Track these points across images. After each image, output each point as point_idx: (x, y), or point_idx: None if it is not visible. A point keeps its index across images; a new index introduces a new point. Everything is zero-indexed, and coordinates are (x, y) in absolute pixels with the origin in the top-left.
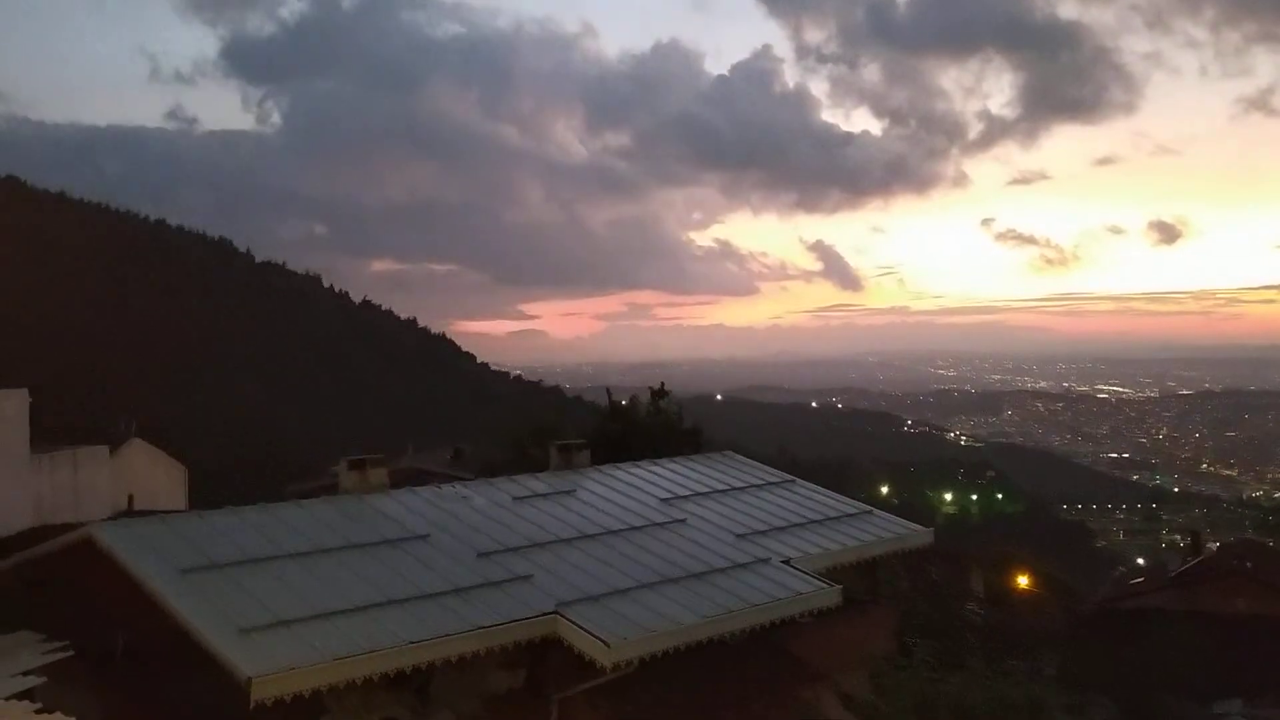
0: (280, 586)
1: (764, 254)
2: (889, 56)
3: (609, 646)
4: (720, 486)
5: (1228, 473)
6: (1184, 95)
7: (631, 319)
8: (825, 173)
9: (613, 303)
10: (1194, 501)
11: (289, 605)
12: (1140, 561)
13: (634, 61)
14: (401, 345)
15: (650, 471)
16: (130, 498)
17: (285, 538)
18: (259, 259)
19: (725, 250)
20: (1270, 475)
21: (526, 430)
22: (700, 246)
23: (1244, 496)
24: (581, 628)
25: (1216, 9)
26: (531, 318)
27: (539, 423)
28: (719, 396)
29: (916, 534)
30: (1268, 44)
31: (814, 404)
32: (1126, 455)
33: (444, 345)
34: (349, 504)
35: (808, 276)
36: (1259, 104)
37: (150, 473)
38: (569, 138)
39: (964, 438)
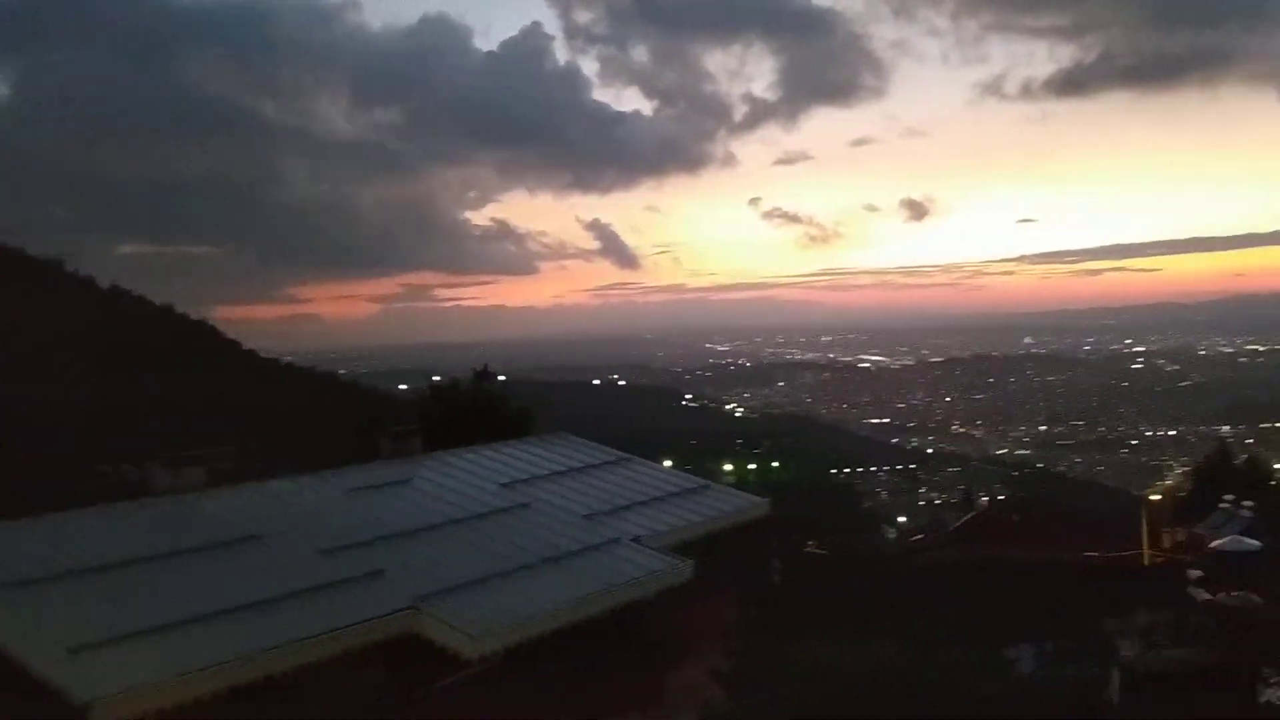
0: (105, 601)
1: (543, 233)
2: (656, 38)
3: (473, 639)
4: (559, 468)
5: (976, 433)
6: (929, 80)
7: (410, 301)
8: (599, 152)
9: (389, 285)
10: (948, 461)
11: (120, 620)
12: (902, 520)
13: (400, 36)
14: (156, 333)
15: (485, 456)
16: None
17: (99, 547)
18: None
19: (503, 230)
20: (1013, 434)
21: (346, 418)
22: (478, 226)
23: (991, 454)
24: (443, 621)
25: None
26: (303, 301)
27: (325, 410)
28: (501, 378)
29: (755, 505)
30: (1002, 33)
31: (596, 382)
32: (887, 420)
33: (205, 332)
34: (165, 507)
35: (587, 256)
36: (994, 89)
37: None
38: (335, 113)
39: (741, 409)
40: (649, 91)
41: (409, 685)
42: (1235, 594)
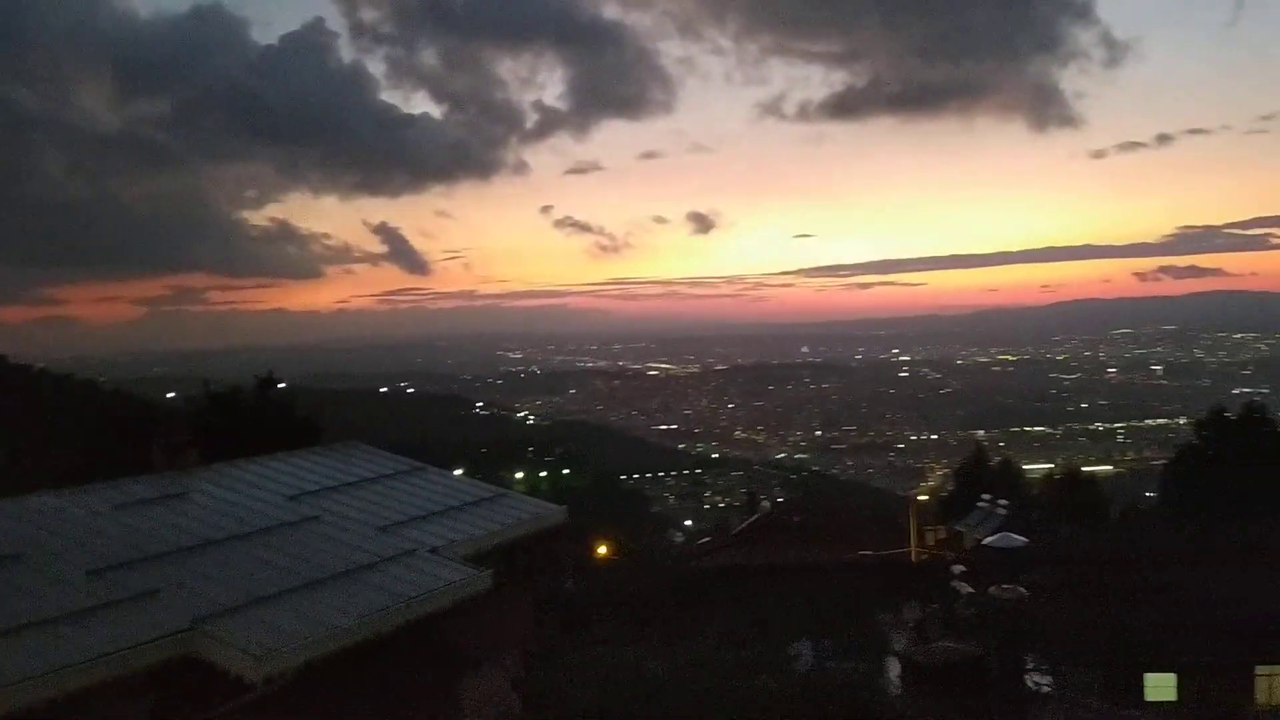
0: None
1: (327, 236)
2: (446, 41)
3: (258, 659)
4: (350, 479)
5: (757, 438)
6: (714, 98)
7: (179, 304)
8: (387, 154)
9: (156, 286)
10: (732, 465)
11: None
12: (689, 523)
13: (170, 24)
14: None
15: (270, 468)
16: None
17: None
18: None
19: (284, 231)
20: (791, 439)
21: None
22: (256, 227)
23: (772, 458)
24: (225, 642)
25: (738, 21)
26: (58, 303)
27: (86, 420)
28: (281, 385)
29: (553, 512)
30: (781, 56)
31: (383, 390)
32: (675, 426)
33: None
34: None
35: (373, 260)
36: (774, 109)
37: None
38: (97, 104)
39: (533, 417)
40: (439, 95)
41: (186, 713)
42: (1006, 587)
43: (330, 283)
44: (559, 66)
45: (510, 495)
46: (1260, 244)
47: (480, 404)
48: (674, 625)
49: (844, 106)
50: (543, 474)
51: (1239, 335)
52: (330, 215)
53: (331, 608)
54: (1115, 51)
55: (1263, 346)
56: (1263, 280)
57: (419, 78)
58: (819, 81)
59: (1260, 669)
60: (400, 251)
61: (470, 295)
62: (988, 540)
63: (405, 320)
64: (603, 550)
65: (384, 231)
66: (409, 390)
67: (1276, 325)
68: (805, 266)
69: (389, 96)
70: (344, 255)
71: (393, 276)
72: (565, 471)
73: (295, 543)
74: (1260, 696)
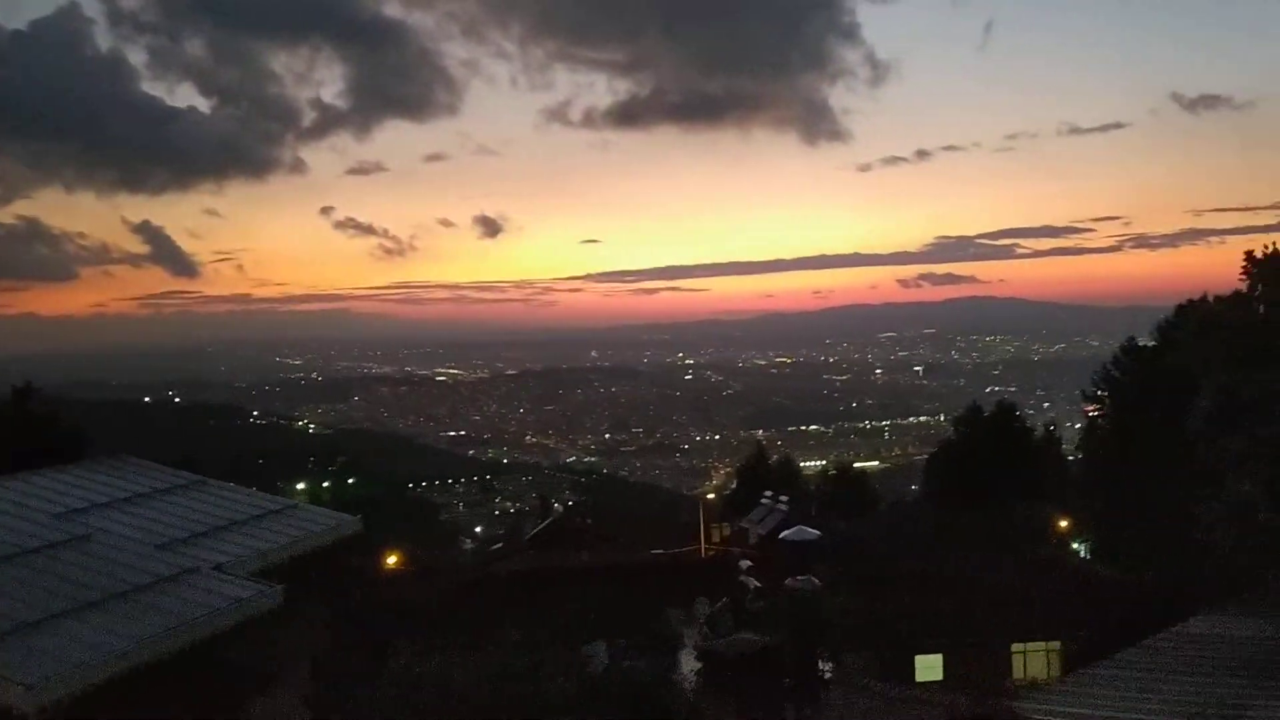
0: None
1: (82, 235)
2: (214, 33)
3: (30, 689)
4: (123, 495)
5: (547, 442)
6: (500, 102)
7: None
8: (150, 150)
9: None
10: (522, 470)
11: None
12: (479, 530)
13: None
14: None
15: (33, 484)
16: None
17: None
18: None
19: (34, 230)
20: (581, 442)
21: None
22: (2, 225)
23: (562, 462)
24: None
25: (523, 26)
26: None
27: None
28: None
29: (346, 523)
30: (566, 63)
31: (148, 399)
32: (463, 433)
33: None
34: None
35: (135, 261)
36: (559, 115)
37: None
38: None
39: (314, 426)
40: (207, 89)
41: None
42: (800, 579)
43: (86, 285)
44: (338, 63)
45: (301, 507)
46: (1008, 254)
47: (257, 413)
48: (471, 633)
49: (628, 115)
50: (326, 484)
51: (990, 338)
52: (86, 213)
53: (108, 631)
54: (879, 71)
55: (1010, 349)
56: (1011, 287)
57: (185, 69)
58: (604, 89)
59: (1015, 646)
60: (165, 252)
61: (245, 299)
62: (784, 534)
63: (172, 325)
64: (392, 560)
65: (146, 231)
66: (176, 400)
67: (1022, 329)
68: (593, 272)
69: (152, 89)
70: (101, 256)
71: (157, 279)
72: (350, 481)
73: (65, 563)
74: (1016, 671)
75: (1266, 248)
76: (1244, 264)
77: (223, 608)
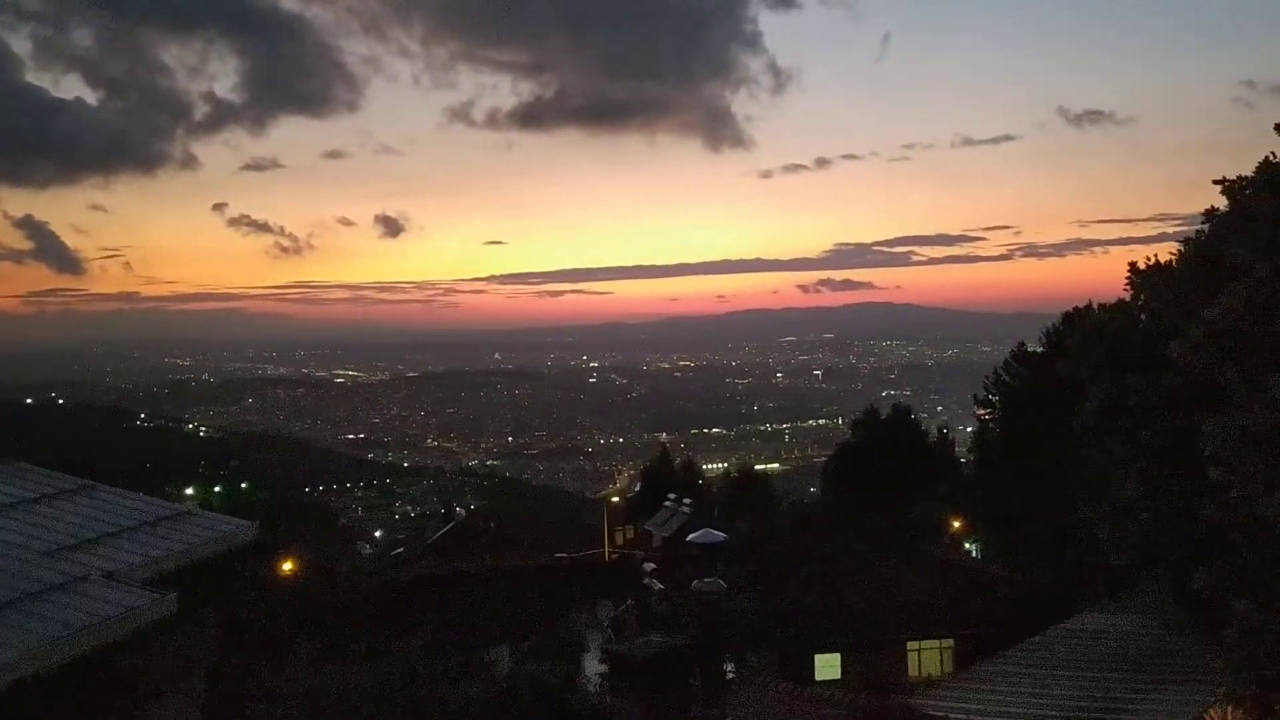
0: None
1: None
2: (102, 23)
3: None
4: (5, 500)
5: (449, 445)
6: (402, 100)
7: None
8: (34, 143)
9: None
10: (423, 474)
11: None
12: (378, 534)
13: None
14: None
15: None
16: None
17: None
18: None
19: None
20: (484, 445)
21: None
22: None
23: (464, 465)
24: None
25: (425, 25)
26: None
27: None
28: None
29: (241, 528)
30: (470, 63)
31: (30, 400)
32: (363, 436)
33: None
34: None
35: (17, 257)
36: (462, 115)
37: None
38: None
39: (205, 429)
40: (94, 80)
41: None
42: (707, 580)
43: None
44: (232, 57)
45: (195, 513)
46: (904, 260)
47: (144, 415)
48: (373, 640)
49: (532, 116)
50: (218, 489)
51: (887, 343)
52: None
53: None
54: (780, 79)
55: (906, 353)
56: (906, 293)
57: (71, 60)
58: (507, 90)
59: (910, 644)
60: (49, 248)
61: (132, 298)
62: (692, 536)
63: (56, 324)
64: (289, 566)
65: (29, 226)
66: (60, 402)
67: (916, 334)
68: (497, 273)
69: (36, 79)
70: None
71: (39, 275)
72: (244, 486)
73: None
74: (912, 669)
75: (1148, 259)
76: (1128, 275)
77: (114, 616)
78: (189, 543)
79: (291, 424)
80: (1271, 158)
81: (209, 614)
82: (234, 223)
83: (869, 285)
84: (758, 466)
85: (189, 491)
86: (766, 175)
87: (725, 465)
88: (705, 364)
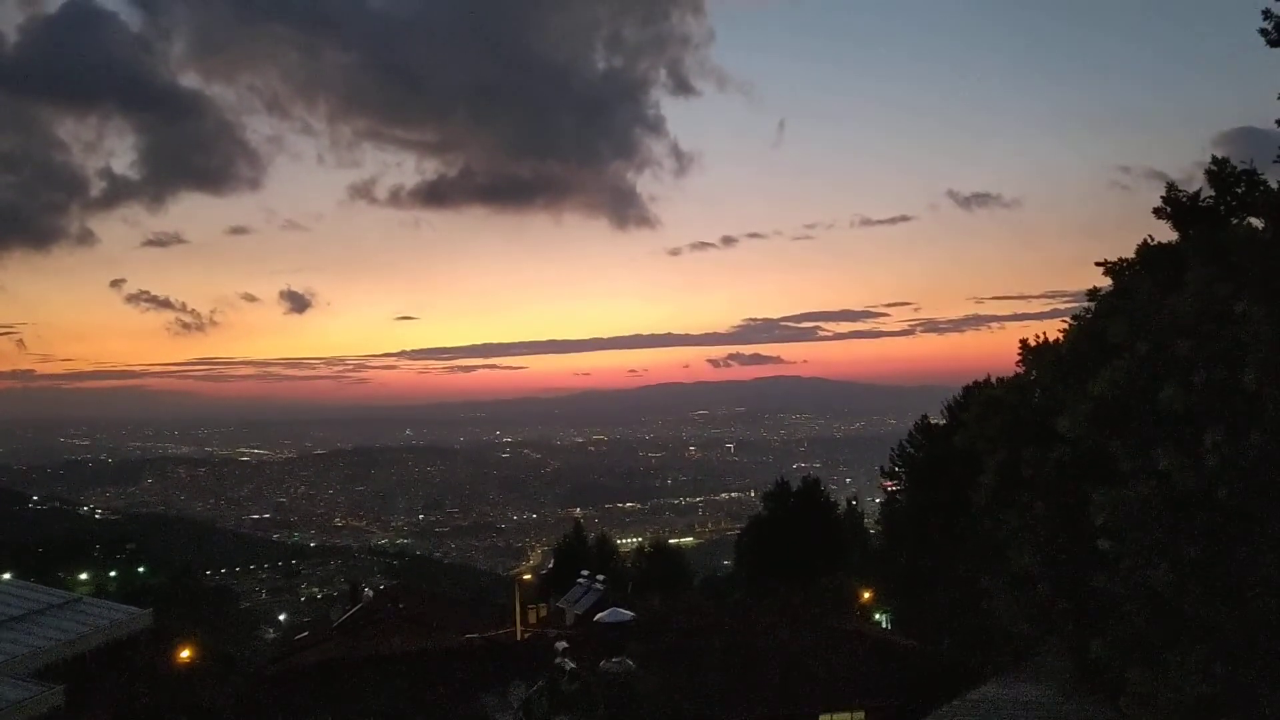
0: None
1: None
2: None
3: None
4: None
5: (358, 524)
6: (306, 177)
7: None
8: None
9: None
10: (331, 554)
11: None
12: (283, 618)
13: None
14: None
15: None
16: None
17: None
18: None
19: None
20: (394, 524)
21: None
22: None
23: (373, 544)
24: None
25: (329, 103)
26: None
27: None
28: None
29: (134, 616)
30: (374, 141)
31: None
32: (268, 515)
33: None
34: None
35: None
36: (365, 193)
37: None
38: None
39: (100, 511)
40: None
41: None
42: (615, 660)
43: None
44: (130, 133)
45: (85, 601)
46: (810, 335)
47: (37, 498)
48: None
49: (436, 194)
50: (113, 574)
51: (796, 416)
52: None
53: None
54: (683, 161)
55: (815, 426)
56: (813, 367)
57: None
58: (412, 169)
59: (823, 716)
60: None
61: (26, 375)
62: (599, 616)
63: None
64: (185, 655)
65: None
66: None
67: (825, 407)
68: (408, 349)
69: None
70: None
71: None
72: (140, 570)
73: None
74: None
75: (1038, 336)
76: (1019, 350)
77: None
78: (79, 632)
79: (193, 504)
80: (1149, 240)
81: (98, 707)
82: (132, 299)
83: (778, 359)
84: (671, 540)
85: (83, 577)
86: (675, 253)
87: (639, 540)
88: (618, 437)
